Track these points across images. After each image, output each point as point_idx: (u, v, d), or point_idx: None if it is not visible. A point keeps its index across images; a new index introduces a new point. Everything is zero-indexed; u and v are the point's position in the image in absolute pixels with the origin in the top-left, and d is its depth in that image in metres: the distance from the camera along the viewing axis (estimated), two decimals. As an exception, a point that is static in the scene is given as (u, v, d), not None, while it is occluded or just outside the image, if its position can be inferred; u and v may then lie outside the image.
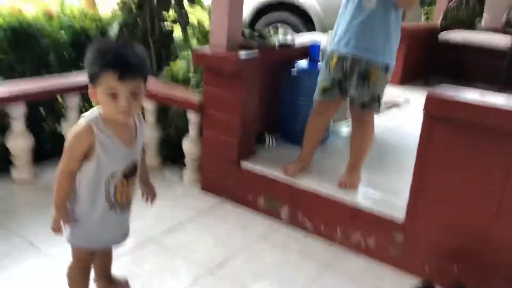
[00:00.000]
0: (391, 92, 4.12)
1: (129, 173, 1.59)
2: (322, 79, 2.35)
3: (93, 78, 1.43)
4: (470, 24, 4.63)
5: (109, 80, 1.39)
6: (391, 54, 2.22)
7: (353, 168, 2.42)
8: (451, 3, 4.59)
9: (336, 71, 2.28)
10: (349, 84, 2.27)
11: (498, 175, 1.82)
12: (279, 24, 6.32)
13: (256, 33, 2.78)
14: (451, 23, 4.76)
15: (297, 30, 6.11)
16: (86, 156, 1.50)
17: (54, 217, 1.57)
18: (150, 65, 1.55)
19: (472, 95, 1.85)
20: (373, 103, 2.25)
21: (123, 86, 1.40)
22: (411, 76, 4.46)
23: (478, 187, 1.88)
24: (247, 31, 2.75)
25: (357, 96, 2.25)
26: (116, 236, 1.70)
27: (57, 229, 1.59)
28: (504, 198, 1.82)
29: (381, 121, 3.53)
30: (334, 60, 2.27)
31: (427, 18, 5.10)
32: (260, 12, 6.36)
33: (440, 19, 4.36)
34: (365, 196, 2.35)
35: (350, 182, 2.39)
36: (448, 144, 1.91)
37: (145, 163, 1.80)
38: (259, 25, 6.32)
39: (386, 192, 2.40)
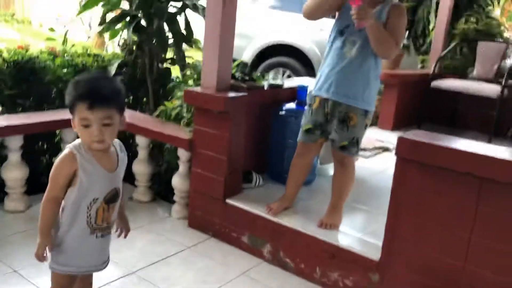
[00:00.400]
0: (383, 137, 4.21)
1: (110, 199, 1.66)
2: (305, 122, 2.45)
3: (70, 108, 1.55)
4: (463, 73, 4.75)
5: (81, 110, 1.50)
6: (370, 100, 2.32)
7: (334, 209, 2.48)
8: (444, 51, 4.74)
9: (318, 114, 2.38)
10: (330, 127, 2.37)
11: (466, 219, 1.87)
12: (281, 69, 6.54)
13: (246, 76, 2.90)
14: (444, 71, 4.90)
15: (297, 73, 6.31)
16: (70, 182, 1.58)
17: (38, 243, 1.62)
18: (124, 98, 1.64)
19: (441, 140, 1.93)
20: (352, 146, 2.34)
21: (94, 115, 1.50)
22: (403, 122, 4.55)
23: (448, 229, 1.92)
24: (237, 73, 2.87)
25: (337, 139, 2.35)
26: (97, 261, 1.73)
27: (40, 256, 1.62)
28: (472, 241, 1.86)
29: (371, 164, 3.61)
30: (316, 104, 2.37)
31: (423, 66, 5.24)
32: (262, 56, 6.59)
33: (433, 66, 4.49)
34: (344, 236, 2.39)
35: (330, 222, 2.44)
36: (419, 186, 1.97)
37: (123, 197, 1.87)
38: (261, 68, 6.53)
39: (365, 233, 2.44)
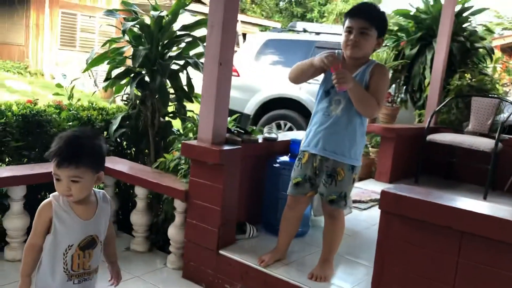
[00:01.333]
0: (380, 190, 4.26)
1: (86, 246, 1.75)
2: (294, 175, 2.53)
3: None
4: (458, 127, 4.86)
5: (53, 165, 1.66)
6: (356, 156, 2.40)
7: (325, 262, 2.52)
8: (439, 106, 4.87)
9: (306, 169, 2.47)
10: (319, 181, 2.45)
11: (448, 272, 1.91)
12: (282, 122, 6.71)
13: (241, 129, 3.02)
14: (440, 124, 5.01)
15: (298, 125, 6.46)
16: (48, 230, 1.70)
17: (19, 286, 1.73)
18: (100, 156, 1.76)
19: (422, 194, 2.00)
20: (340, 200, 2.41)
21: (61, 172, 1.65)
22: (400, 175, 4.62)
23: (431, 281, 1.95)
24: (232, 127, 3.00)
25: (326, 193, 2.42)
26: None
27: None
28: (455, 294, 1.89)
29: (365, 217, 3.65)
30: (305, 158, 2.47)
31: (420, 120, 5.36)
32: (265, 108, 6.78)
33: (428, 121, 4.60)
34: (333, 287, 2.42)
35: (321, 274, 2.46)
36: (403, 239, 2.02)
37: (114, 246, 1.95)
38: (263, 121, 6.70)
39: (356, 285, 2.46)
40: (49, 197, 1.75)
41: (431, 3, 5.51)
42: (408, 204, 1.97)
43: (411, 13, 5.62)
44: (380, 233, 2.09)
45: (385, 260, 2.09)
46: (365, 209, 3.81)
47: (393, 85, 5.37)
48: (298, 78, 2.46)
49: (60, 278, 1.71)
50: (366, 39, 2.30)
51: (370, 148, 5.15)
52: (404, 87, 5.59)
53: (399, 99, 5.46)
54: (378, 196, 2.12)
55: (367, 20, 2.29)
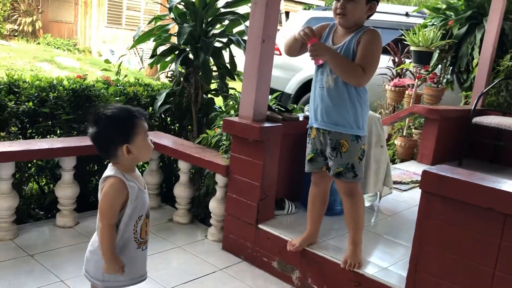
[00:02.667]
0: (421, 171, 4.20)
1: (148, 214, 1.86)
2: (307, 152, 2.51)
3: (129, 133, 1.77)
4: (507, 109, 4.69)
5: (144, 125, 1.80)
6: (358, 125, 2.33)
7: (354, 245, 2.46)
8: (487, 88, 4.70)
9: (316, 143, 2.45)
10: (327, 154, 2.43)
11: (490, 254, 1.89)
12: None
13: (282, 108, 3.05)
14: (488, 107, 4.85)
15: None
16: (122, 207, 1.76)
17: (108, 269, 1.75)
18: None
19: (464, 175, 1.97)
20: (347, 172, 2.35)
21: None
22: (443, 157, 4.52)
23: (472, 264, 1.94)
24: (273, 105, 3.03)
25: (332, 166, 2.38)
26: (143, 272, 1.89)
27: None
28: (496, 276, 1.87)
29: (406, 198, 3.62)
30: (313, 133, 2.45)
31: (466, 102, 5.20)
32: (305, 88, 6.75)
33: (474, 102, 4.47)
34: (372, 266, 2.43)
35: (353, 261, 2.42)
36: (443, 219, 2.01)
37: None
38: (303, 101, 6.68)
39: (393, 264, 2.47)
40: (111, 177, 1.75)
41: (484, -20, 5.27)
42: (450, 184, 1.95)
43: (462, -9, 5.40)
44: (420, 213, 2.08)
45: (424, 240, 2.08)
46: (405, 190, 3.78)
47: (439, 66, 5.21)
48: (289, 51, 2.46)
49: (132, 247, 1.80)
50: (353, 6, 2.23)
51: (413, 130, 5.06)
52: (451, 68, 5.42)
53: (445, 80, 5.31)
54: (419, 178, 2.10)
55: None
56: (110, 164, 1.82)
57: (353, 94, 2.30)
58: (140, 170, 3.96)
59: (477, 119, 4.38)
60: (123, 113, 1.75)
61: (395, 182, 3.81)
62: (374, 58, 2.26)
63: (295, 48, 2.42)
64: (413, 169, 4.33)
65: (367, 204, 3.30)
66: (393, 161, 4.87)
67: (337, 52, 2.28)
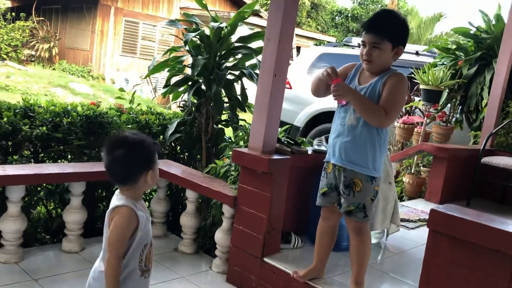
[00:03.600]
0: (429, 210, 4.17)
1: (152, 241, 1.87)
2: (321, 185, 2.51)
3: (150, 162, 1.82)
4: (516, 150, 4.69)
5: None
6: (375, 166, 2.34)
7: (355, 284, 2.43)
8: (496, 128, 4.71)
9: (331, 178, 2.45)
10: (340, 191, 2.43)
11: (498, 296, 1.87)
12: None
13: (291, 140, 3.08)
14: (497, 147, 4.85)
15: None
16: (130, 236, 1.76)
17: None
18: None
19: (472, 216, 1.97)
20: (358, 211, 2.35)
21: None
22: (451, 196, 4.50)
23: (478, 306, 1.91)
24: (283, 138, 3.06)
25: (343, 203, 2.39)
26: None
27: None
28: (503, 320, 1.84)
29: (413, 236, 3.59)
30: (329, 168, 2.46)
31: (475, 142, 5.21)
32: (314, 121, 6.81)
33: (483, 142, 4.47)
34: (377, 305, 2.40)
35: None
36: (451, 259, 1.99)
37: None
38: (312, 134, 6.72)
39: (399, 304, 2.44)
40: (122, 206, 1.75)
41: (493, 22, 5.36)
42: (458, 224, 1.94)
43: (471, 32, 5.49)
44: (427, 252, 2.07)
45: (431, 280, 2.06)
46: (413, 228, 3.75)
47: (448, 104, 5.25)
48: (316, 92, 2.49)
49: (136, 276, 1.80)
50: (379, 53, 2.27)
51: (421, 167, 5.05)
52: (460, 107, 5.46)
53: (454, 119, 5.33)
54: (427, 216, 2.10)
55: (378, 34, 2.24)
56: (117, 192, 1.82)
57: (374, 135, 2.32)
58: (148, 198, 3.98)
59: (486, 159, 4.38)
60: (148, 139, 1.80)
61: (402, 220, 3.78)
62: (398, 101, 2.29)
63: (322, 88, 2.44)
64: (421, 207, 4.30)
65: (374, 241, 3.27)
66: (401, 199, 4.85)
67: (360, 94, 2.31)
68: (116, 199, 1.79)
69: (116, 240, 1.73)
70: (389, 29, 2.27)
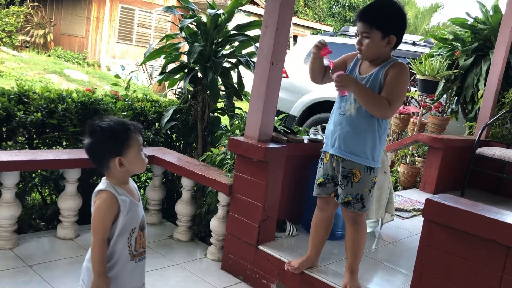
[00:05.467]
0: (423, 199, 4.19)
1: (143, 226, 1.86)
2: (317, 176, 2.51)
3: (123, 144, 1.79)
4: (510, 142, 4.70)
5: (138, 138, 1.82)
6: (374, 157, 2.33)
7: (351, 272, 2.44)
8: (492, 119, 4.72)
9: (328, 168, 2.45)
10: (338, 181, 2.43)
11: (491, 286, 1.88)
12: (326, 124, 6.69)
13: (287, 129, 3.07)
14: (492, 138, 4.86)
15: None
16: (113, 220, 1.76)
17: (94, 282, 1.73)
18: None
19: (467, 205, 1.98)
20: (356, 202, 2.35)
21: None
22: (446, 186, 4.52)
23: (471, 294, 1.93)
24: (279, 127, 3.05)
25: (341, 194, 2.39)
26: (137, 284, 1.89)
27: None
28: (495, 309, 1.86)
29: (407, 226, 3.61)
30: (326, 158, 2.45)
31: (470, 133, 5.22)
32: (310, 111, 6.80)
33: (478, 133, 4.48)
34: (370, 293, 2.42)
35: (354, 285, 2.41)
36: (445, 249, 2.00)
37: None
38: (308, 123, 6.72)
39: (393, 292, 2.46)
40: (102, 191, 1.76)
41: (491, 13, 5.35)
42: (453, 214, 1.95)
43: (468, 23, 5.47)
44: (422, 241, 2.08)
45: (424, 269, 2.08)
46: (407, 218, 3.77)
47: (444, 95, 5.25)
48: (313, 75, 2.48)
49: (125, 260, 1.80)
50: (368, 43, 2.26)
51: (416, 157, 5.07)
52: (456, 98, 5.46)
53: (449, 110, 5.34)
54: (422, 206, 2.11)
55: (366, 22, 2.24)
56: (104, 177, 1.83)
57: (375, 125, 2.31)
58: (143, 185, 3.97)
59: (480, 150, 4.39)
60: (118, 126, 1.77)
61: (397, 209, 3.80)
62: (400, 91, 2.28)
63: (317, 70, 2.44)
64: (415, 197, 4.32)
65: (368, 230, 3.29)
66: (395, 188, 4.87)
67: (363, 84, 2.29)
68: (100, 184, 1.81)
69: (97, 224, 1.75)
70: (378, 18, 2.25)
